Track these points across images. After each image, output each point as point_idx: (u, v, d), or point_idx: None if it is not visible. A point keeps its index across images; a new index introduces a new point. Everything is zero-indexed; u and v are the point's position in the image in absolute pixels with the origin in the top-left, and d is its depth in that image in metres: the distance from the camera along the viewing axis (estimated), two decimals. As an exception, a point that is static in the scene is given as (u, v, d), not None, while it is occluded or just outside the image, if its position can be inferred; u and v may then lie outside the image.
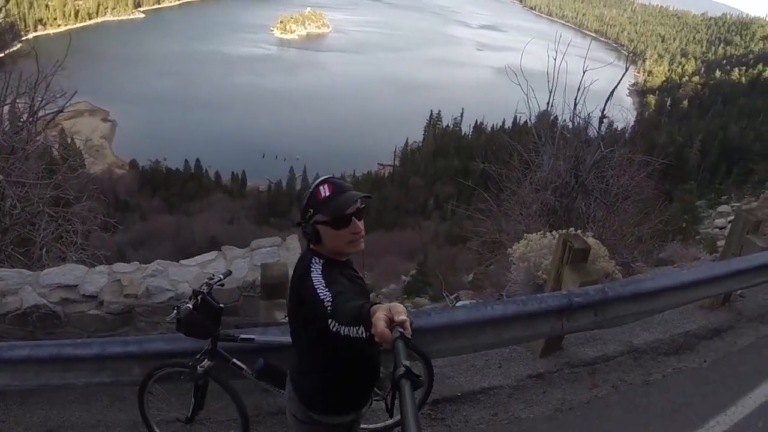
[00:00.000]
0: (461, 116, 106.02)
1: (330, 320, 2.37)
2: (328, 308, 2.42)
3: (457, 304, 15.36)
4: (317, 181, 2.74)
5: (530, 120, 13.16)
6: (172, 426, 4.42)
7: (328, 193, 2.69)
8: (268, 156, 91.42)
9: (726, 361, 5.93)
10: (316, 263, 2.71)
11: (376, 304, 2.18)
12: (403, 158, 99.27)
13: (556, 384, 5.44)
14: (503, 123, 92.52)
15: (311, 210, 2.70)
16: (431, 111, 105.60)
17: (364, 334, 2.19)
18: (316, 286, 2.57)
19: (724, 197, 50.25)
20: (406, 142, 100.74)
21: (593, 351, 5.87)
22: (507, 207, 12.99)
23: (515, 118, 73.58)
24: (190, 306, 3.71)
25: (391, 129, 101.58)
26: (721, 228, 31.44)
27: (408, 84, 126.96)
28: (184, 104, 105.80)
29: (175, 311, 3.68)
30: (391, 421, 4.41)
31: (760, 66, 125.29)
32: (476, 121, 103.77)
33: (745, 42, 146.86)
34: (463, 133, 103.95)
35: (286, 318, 4.05)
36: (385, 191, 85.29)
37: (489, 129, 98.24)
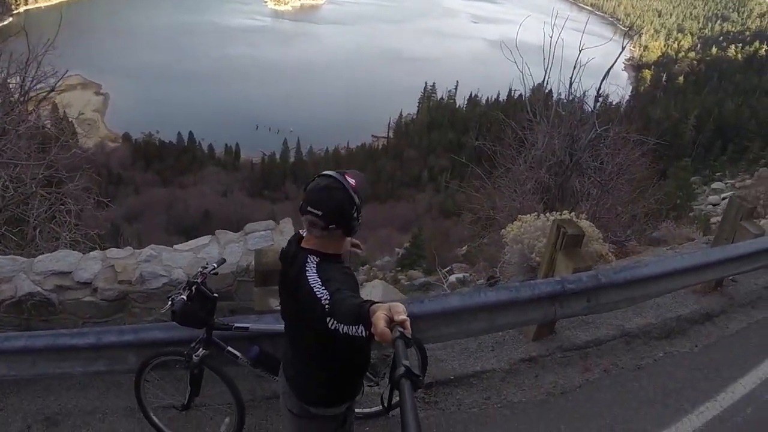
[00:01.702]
0: (456, 89, 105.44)
1: (328, 319, 2.37)
2: (326, 306, 2.42)
3: (450, 278, 15.50)
4: (343, 180, 2.68)
5: (525, 95, 13.11)
6: (169, 412, 4.46)
7: (356, 180, 2.72)
8: (262, 128, 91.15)
9: (717, 346, 5.97)
10: (312, 261, 2.70)
11: (375, 303, 2.18)
12: (397, 130, 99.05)
13: (548, 368, 5.48)
14: (498, 95, 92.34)
15: (360, 202, 2.72)
16: (425, 83, 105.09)
17: (363, 333, 2.20)
18: (312, 285, 2.56)
19: (719, 174, 50.38)
20: (400, 113, 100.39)
21: (585, 335, 5.91)
22: (501, 184, 13.00)
23: (510, 91, 73.52)
24: (185, 297, 3.70)
25: (385, 101, 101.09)
26: (714, 205, 31.61)
27: (402, 56, 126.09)
28: (177, 76, 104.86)
29: (169, 303, 3.67)
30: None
31: (756, 43, 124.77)
32: (471, 93, 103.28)
33: (741, 19, 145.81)
34: (457, 106, 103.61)
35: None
36: (379, 163, 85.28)
37: (484, 102, 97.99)
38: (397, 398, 1.92)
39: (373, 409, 4.61)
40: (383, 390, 3.20)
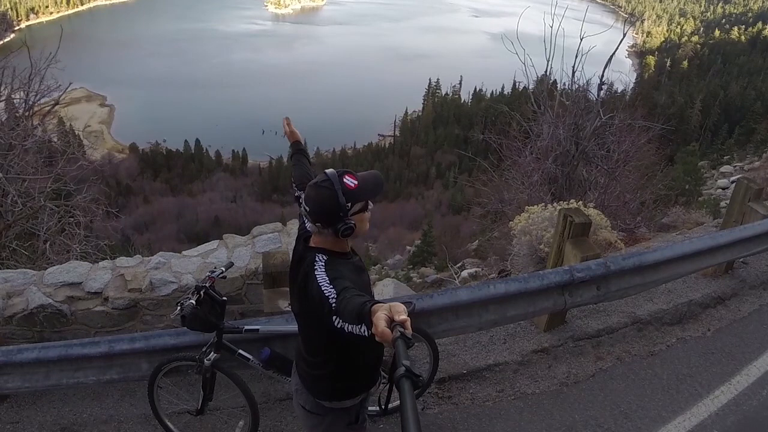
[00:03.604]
0: (460, 84, 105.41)
1: (334, 317, 2.37)
2: (333, 305, 2.42)
3: (462, 273, 15.49)
4: (333, 178, 2.68)
5: (529, 86, 13.07)
6: (183, 418, 4.49)
7: (357, 182, 2.70)
8: (268, 132, 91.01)
9: (730, 329, 5.92)
10: (320, 260, 2.70)
11: (377, 303, 2.18)
12: (403, 128, 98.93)
13: (561, 358, 5.46)
14: (502, 88, 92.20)
15: (349, 204, 2.68)
16: (429, 79, 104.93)
17: (366, 333, 2.20)
18: (320, 284, 2.56)
19: (727, 157, 50.00)
20: (406, 111, 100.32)
21: (597, 323, 5.88)
22: (508, 176, 12.99)
23: (514, 83, 73.43)
24: (193, 302, 3.70)
25: (390, 99, 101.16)
26: (723, 188, 31.40)
27: (405, 53, 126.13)
28: (182, 84, 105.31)
29: (178, 308, 3.68)
30: (397, 403, 4.43)
31: (759, 24, 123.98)
32: (475, 87, 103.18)
33: (744, 0, 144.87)
34: (462, 101, 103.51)
35: (289, 306, 4.07)
36: (386, 162, 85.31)
37: (488, 95, 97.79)
38: (397, 401, 1.91)
39: (371, 410, 4.61)
40: (380, 391, 3.20)
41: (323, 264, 2.67)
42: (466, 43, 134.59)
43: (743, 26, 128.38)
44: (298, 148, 3.74)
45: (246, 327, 4.17)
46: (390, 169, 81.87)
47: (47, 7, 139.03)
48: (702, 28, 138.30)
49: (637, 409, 4.80)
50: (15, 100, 11.15)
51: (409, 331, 2.00)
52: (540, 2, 17.48)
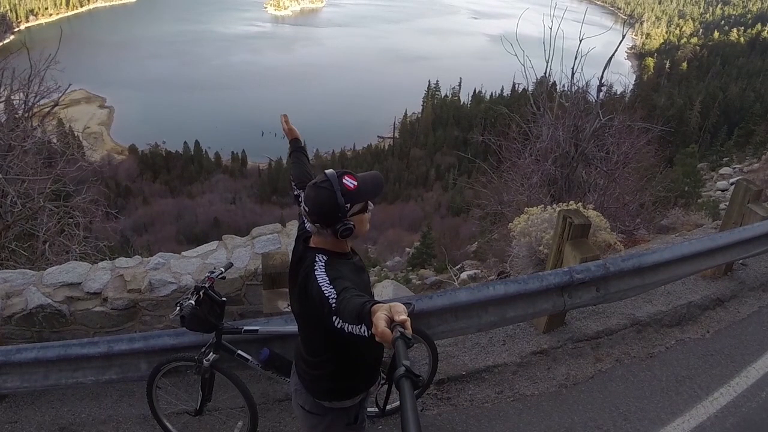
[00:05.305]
0: (459, 85, 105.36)
1: (334, 317, 2.37)
2: (333, 305, 2.42)
3: (462, 275, 15.50)
4: (333, 178, 2.67)
5: (528, 88, 13.06)
6: (182, 418, 4.48)
7: (356, 183, 2.69)
8: (267, 134, 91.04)
9: (729, 331, 5.91)
10: (320, 260, 2.70)
11: (377, 303, 2.18)
12: (403, 130, 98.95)
13: (560, 360, 5.45)
14: (502, 90, 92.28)
15: (348, 205, 2.68)
16: (429, 81, 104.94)
17: (366, 333, 2.20)
18: (321, 284, 2.56)
19: (726, 159, 49.93)
20: (405, 113, 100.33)
21: (596, 325, 5.87)
22: (508, 178, 12.99)
23: (513, 85, 73.43)
24: (193, 302, 3.70)
25: (390, 101, 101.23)
26: (723, 190, 31.36)
27: (404, 55, 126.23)
28: (181, 86, 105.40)
29: (178, 308, 3.68)
30: (396, 404, 4.43)
31: (758, 26, 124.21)
32: (474, 89, 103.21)
33: (743, 2, 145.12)
34: (461, 103, 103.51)
35: (289, 307, 4.06)
36: (386, 164, 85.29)
37: (488, 97, 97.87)
38: (395, 402, 1.90)
39: (369, 411, 4.60)
40: (379, 392, 3.20)
41: (323, 264, 2.67)
42: (465, 44, 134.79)
43: (742, 28, 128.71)
44: (297, 146, 3.73)
45: (245, 327, 4.17)
46: (389, 170, 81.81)
47: (46, 8, 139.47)
48: (701, 30, 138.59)
49: (636, 411, 4.80)
50: (14, 102, 11.16)
51: (409, 332, 1.99)
52: (539, 4, 17.53)
